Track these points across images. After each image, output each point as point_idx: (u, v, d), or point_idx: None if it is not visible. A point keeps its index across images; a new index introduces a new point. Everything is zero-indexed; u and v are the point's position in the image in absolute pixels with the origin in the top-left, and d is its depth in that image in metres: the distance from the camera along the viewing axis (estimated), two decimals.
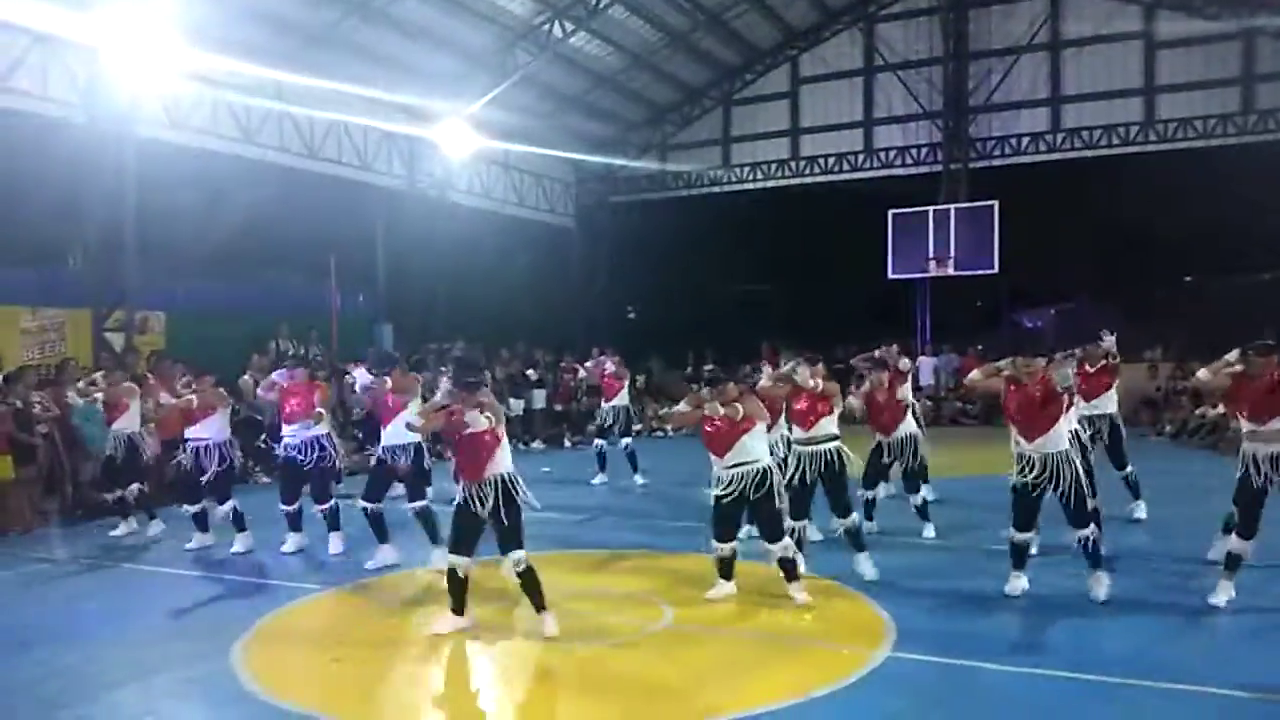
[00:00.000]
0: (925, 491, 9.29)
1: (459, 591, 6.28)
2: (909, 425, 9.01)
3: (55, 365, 12.49)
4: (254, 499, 10.10)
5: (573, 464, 14.73)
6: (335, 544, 8.67)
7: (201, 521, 9.05)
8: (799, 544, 7.22)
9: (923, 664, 5.62)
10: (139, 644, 6.26)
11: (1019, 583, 6.99)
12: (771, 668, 5.64)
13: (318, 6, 15.63)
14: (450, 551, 6.27)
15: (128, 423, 9.65)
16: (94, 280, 14.09)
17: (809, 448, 7.48)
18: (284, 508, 8.72)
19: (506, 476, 6.16)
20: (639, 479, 12.54)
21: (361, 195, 19.21)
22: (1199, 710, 4.92)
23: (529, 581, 6.14)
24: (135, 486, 9.66)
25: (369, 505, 8.16)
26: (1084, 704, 5.02)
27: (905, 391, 9.34)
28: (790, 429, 7.90)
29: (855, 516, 7.51)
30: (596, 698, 5.29)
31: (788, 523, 7.13)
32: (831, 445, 7.48)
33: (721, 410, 6.63)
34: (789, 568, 6.83)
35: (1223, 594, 6.63)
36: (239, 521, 8.85)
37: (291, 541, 8.82)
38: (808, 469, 7.47)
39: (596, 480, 12.73)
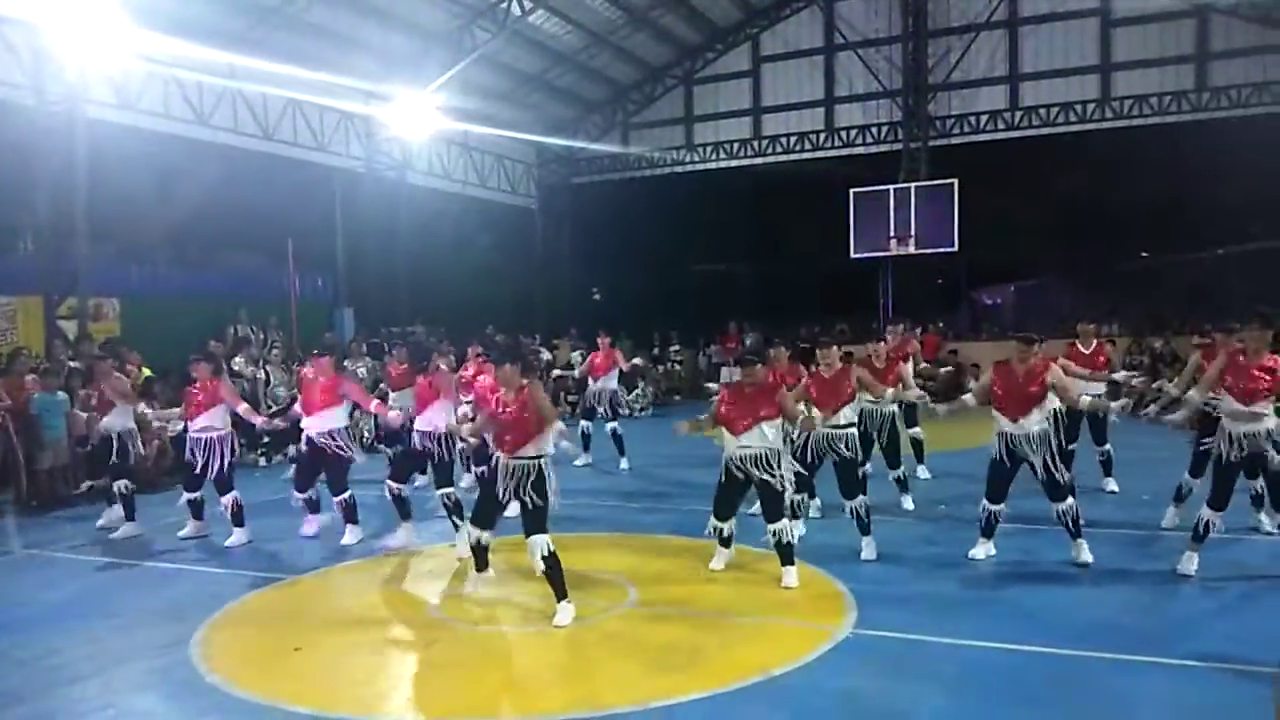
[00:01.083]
0: (921, 470, 10.29)
1: (481, 554, 6.72)
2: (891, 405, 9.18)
3: (7, 354, 12.22)
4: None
5: None
6: (350, 535, 8.61)
7: (197, 509, 8.97)
8: (794, 512, 7.53)
9: (885, 639, 5.68)
10: (99, 636, 6.17)
11: (983, 549, 7.38)
12: (734, 647, 5.67)
13: None
14: (472, 523, 6.66)
15: (118, 420, 9.39)
16: (45, 266, 13.76)
17: (828, 430, 7.65)
18: (298, 495, 8.73)
19: (542, 461, 6.28)
20: (624, 463, 12.50)
21: (318, 177, 18.94)
22: (1165, 681, 5.02)
23: (552, 568, 6.18)
24: (123, 483, 9.28)
25: (394, 485, 8.36)
26: (1046, 677, 5.10)
27: (905, 370, 9.57)
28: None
29: (862, 499, 7.66)
30: (558, 680, 5.30)
31: (789, 494, 7.27)
32: (847, 432, 7.70)
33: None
34: (785, 551, 6.95)
35: (1190, 563, 6.83)
36: (238, 516, 8.74)
37: (313, 524, 8.88)
38: (819, 450, 7.71)
39: (579, 461, 12.59)
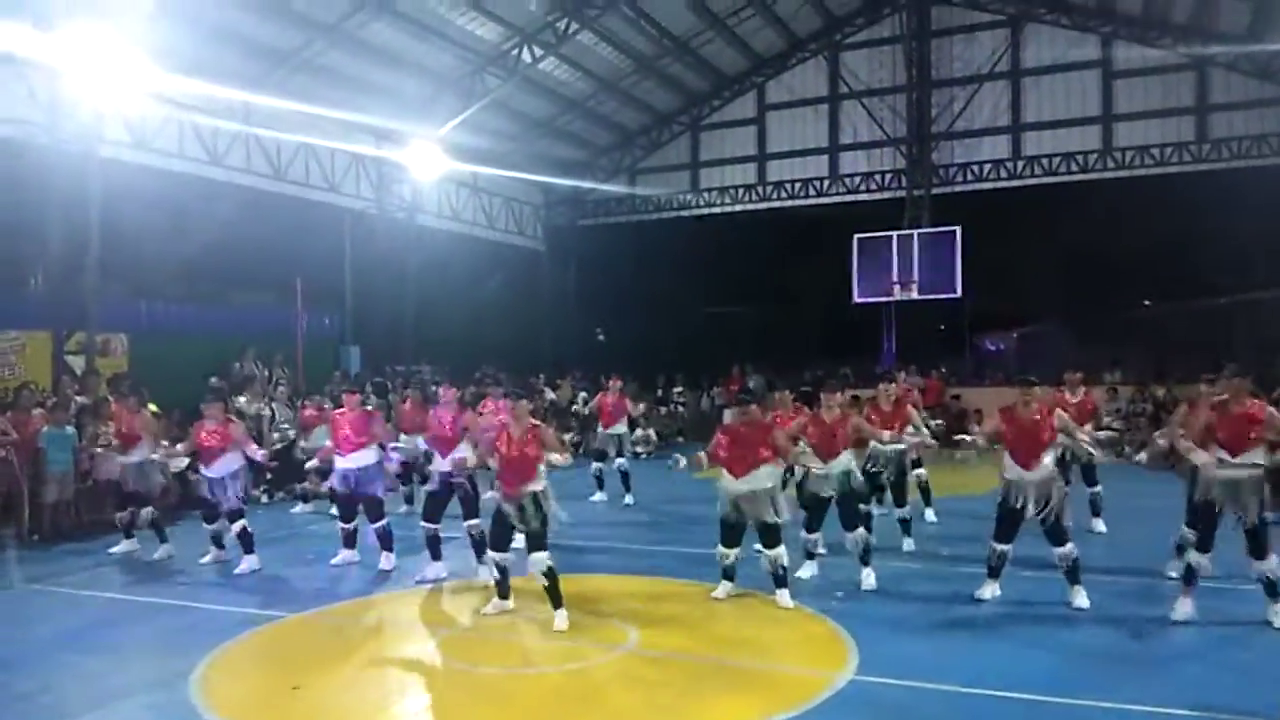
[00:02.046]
0: (928, 513, 10.50)
1: (503, 580, 7.23)
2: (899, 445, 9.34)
3: (13, 389, 12.30)
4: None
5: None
6: (385, 562, 8.98)
7: (218, 539, 9.39)
8: (809, 554, 8.20)
9: (885, 686, 5.66)
10: (96, 672, 6.17)
11: (990, 589, 7.48)
12: (733, 692, 5.66)
13: (285, 29, 15.65)
14: (491, 549, 7.27)
15: (141, 452, 9.80)
16: (55, 302, 13.89)
17: (823, 472, 7.99)
18: (342, 526, 9.25)
19: (539, 493, 7.00)
20: (629, 499, 12.85)
21: (329, 217, 19.15)
22: None
23: (551, 581, 6.92)
24: (149, 510, 9.80)
25: (428, 525, 8.58)
26: None
27: (910, 412, 9.70)
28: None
29: (862, 532, 8.01)
30: None
31: (803, 535, 8.09)
32: (843, 471, 8.00)
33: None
34: (779, 576, 7.40)
35: (1182, 609, 6.86)
36: (248, 542, 9.08)
37: (342, 556, 9.21)
38: (824, 489, 8.01)
39: (595, 498, 13.03)
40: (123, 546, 9.90)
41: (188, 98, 15.01)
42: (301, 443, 11.28)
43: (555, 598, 6.94)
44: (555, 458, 7.12)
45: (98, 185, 13.67)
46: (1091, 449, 8.59)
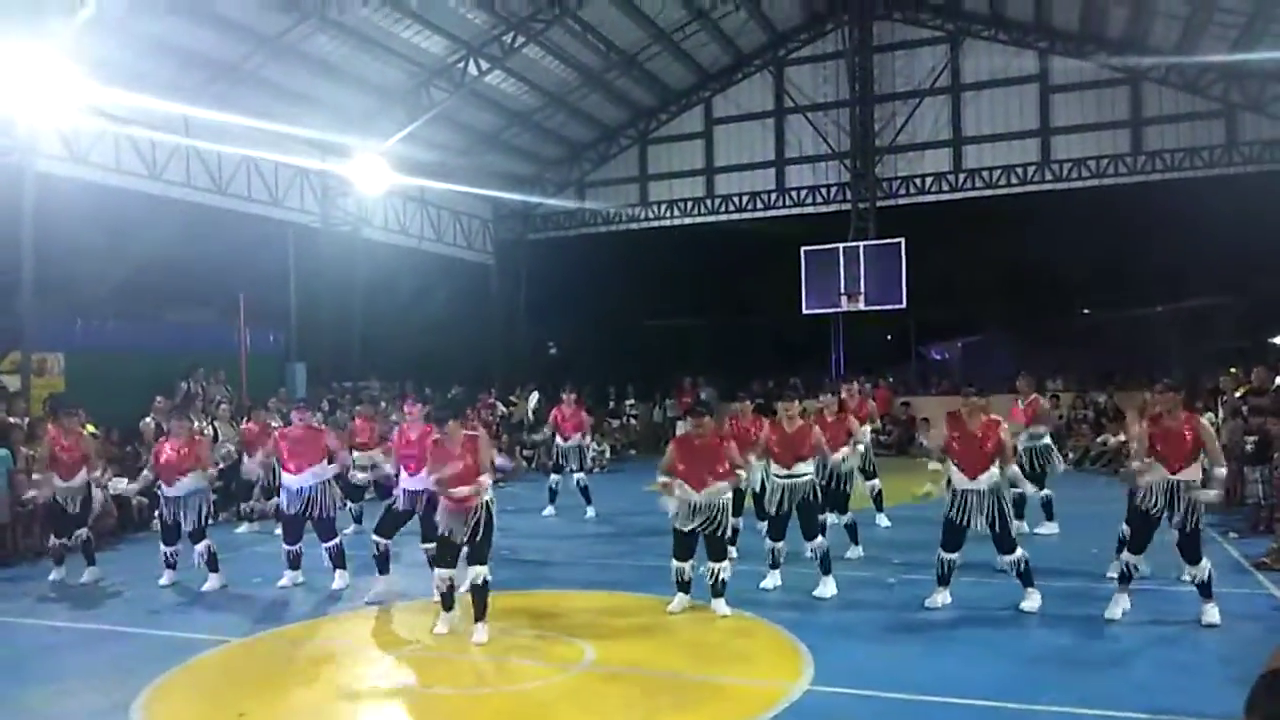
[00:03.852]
0: (881, 519, 10.78)
1: (449, 596, 7.17)
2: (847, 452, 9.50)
3: None
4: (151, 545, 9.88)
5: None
6: (339, 580, 8.94)
7: (172, 562, 9.29)
8: (774, 563, 8.35)
9: (841, 696, 5.69)
10: (34, 704, 5.95)
11: (940, 597, 7.58)
12: (690, 707, 5.64)
13: (226, 41, 15.39)
14: (437, 564, 7.24)
15: (81, 477, 9.64)
16: None
17: (788, 481, 8.11)
18: (286, 547, 9.06)
19: (486, 505, 7.04)
20: (590, 511, 12.84)
21: (272, 232, 18.82)
22: None
23: (480, 594, 6.98)
24: (83, 531, 9.60)
25: (380, 540, 8.52)
26: None
27: (852, 422, 9.83)
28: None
29: (822, 540, 8.12)
30: None
31: (767, 543, 8.33)
32: (808, 481, 8.12)
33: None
34: (719, 586, 7.52)
35: (1117, 607, 7.09)
36: (212, 563, 9.08)
37: (286, 578, 9.07)
38: (786, 500, 8.11)
39: (546, 513, 13.03)
40: (56, 574, 9.60)
41: (125, 111, 14.68)
42: (245, 460, 11.06)
43: (480, 610, 7.00)
44: (498, 461, 7.21)
45: (31, 200, 13.29)
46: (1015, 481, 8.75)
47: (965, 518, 7.38)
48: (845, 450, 9.38)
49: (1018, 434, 10.13)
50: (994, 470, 7.37)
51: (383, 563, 8.58)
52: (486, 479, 7.06)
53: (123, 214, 15.56)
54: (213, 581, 9.04)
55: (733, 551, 8.60)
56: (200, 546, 9.05)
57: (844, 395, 10.51)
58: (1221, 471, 7.07)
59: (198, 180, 16.69)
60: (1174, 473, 6.95)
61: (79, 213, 14.47)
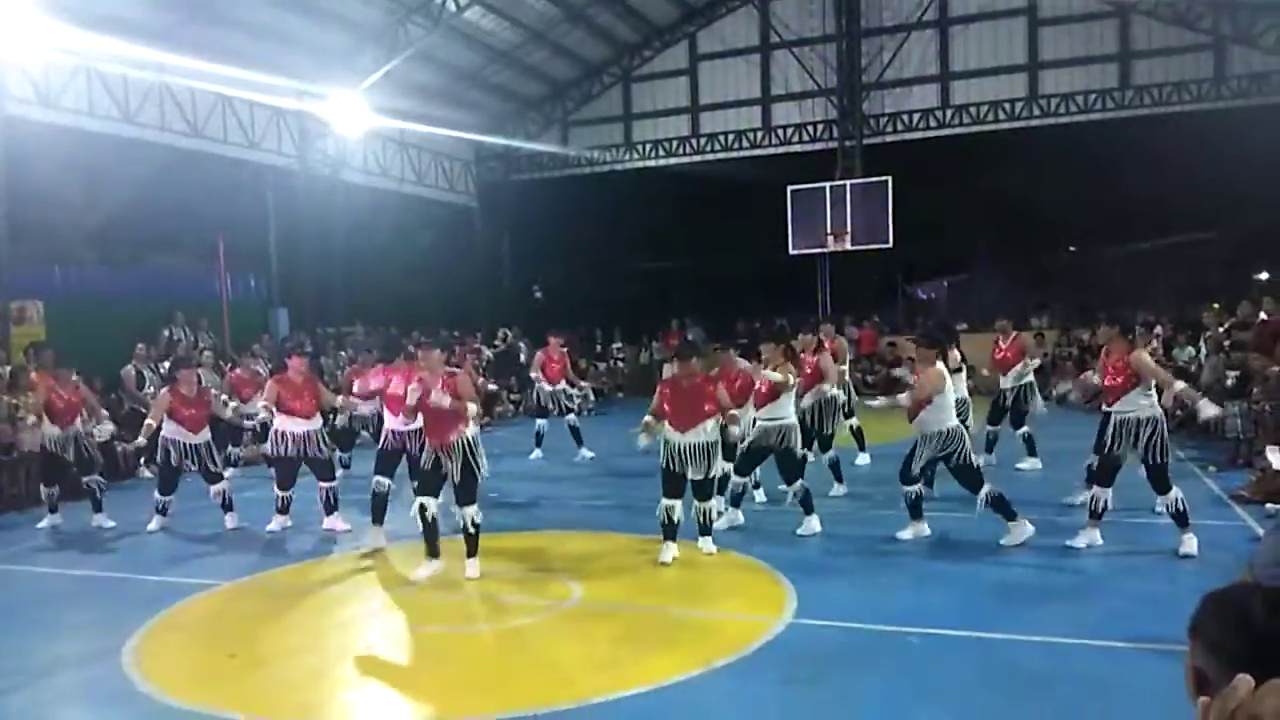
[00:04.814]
0: (862, 457, 10.73)
1: (431, 535, 7.15)
2: (825, 391, 9.55)
3: None
4: (138, 493, 9.91)
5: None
6: (334, 523, 8.99)
7: (164, 509, 9.41)
8: (739, 498, 8.39)
9: (823, 629, 5.78)
10: (26, 648, 5.99)
11: (912, 530, 7.82)
12: (676, 643, 5.72)
13: None
14: (418, 494, 7.16)
15: (79, 424, 9.76)
16: None
17: (764, 423, 8.14)
18: (280, 493, 9.13)
19: (467, 442, 7.00)
20: (585, 452, 12.95)
21: (250, 175, 18.54)
22: (1088, 661, 5.18)
23: (471, 533, 7.05)
24: (94, 479, 9.72)
25: (382, 479, 8.44)
26: (977, 661, 5.23)
27: (826, 360, 9.83)
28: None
29: (802, 482, 8.14)
30: (498, 680, 5.28)
31: (734, 479, 8.36)
32: (784, 423, 8.12)
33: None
34: (706, 525, 7.58)
35: (1083, 538, 7.27)
36: (228, 502, 9.34)
37: (276, 522, 9.13)
38: (761, 440, 8.15)
39: (533, 456, 13.07)
40: (48, 522, 9.68)
41: (96, 53, 14.33)
42: (233, 405, 11.07)
43: (473, 546, 7.09)
44: (473, 408, 7.05)
45: (3, 145, 13.04)
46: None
47: (924, 452, 7.61)
48: (826, 386, 9.42)
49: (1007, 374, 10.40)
50: (939, 413, 7.46)
51: (379, 510, 8.43)
52: (473, 407, 7.04)
53: (97, 158, 15.29)
54: (230, 520, 9.27)
55: (761, 496, 8.76)
56: (218, 487, 9.31)
57: (822, 338, 10.49)
58: (1179, 386, 7.41)
59: (173, 123, 16.37)
60: (1109, 405, 7.22)
61: (52, 158, 14.18)
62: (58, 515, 9.73)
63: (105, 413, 10.47)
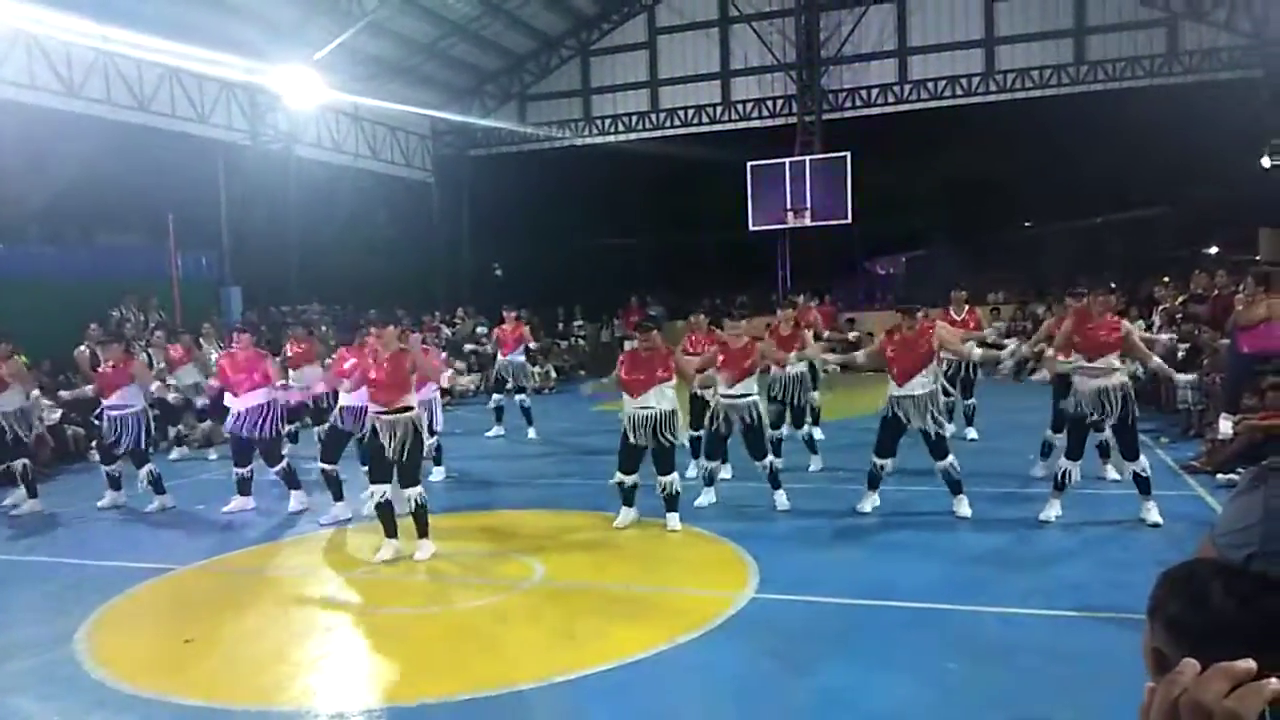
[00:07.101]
0: (815, 431, 10.45)
1: (388, 517, 7.02)
2: (799, 367, 9.51)
3: None
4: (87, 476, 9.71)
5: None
6: (295, 502, 8.91)
7: (115, 481, 9.34)
8: (710, 479, 8.37)
9: (785, 603, 5.80)
10: None
11: (869, 502, 7.86)
12: (638, 618, 5.71)
13: None
14: (373, 482, 7.02)
15: (10, 401, 9.40)
16: None
17: (729, 401, 8.03)
18: (237, 470, 9.02)
19: (412, 422, 6.95)
20: (531, 432, 12.80)
21: (199, 150, 18.12)
22: (1048, 632, 5.25)
23: (419, 514, 6.99)
24: (22, 462, 9.40)
25: (326, 466, 8.44)
26: (939, 632, 5.28)
27: (807, 335, 9.86)
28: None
29: (770, 459, 8.14)
30: (460, 660, 5.23)
31: (702, 461, 8.44)
32: (749, 401, 8.04)
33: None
34: (671, 500, 7.56)
35: (1052, 510, 7.34)
36: (158, 485, 9.15)
37: (235, 503, 9.02)
38: (725, 420, 8.06)
39: (491, 433, 12.95)
40: (9, 500, 9.51)
41: (37, 24, 13.87)
42: (169, 380, 10.88)
43: (422, 527, 7.02)
44: (445, 377, 7.12)
45: None
46: (980, 358, 9.00)
47: (899, 421, 7.56)
48: (800, 353, 9.41)
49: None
50: (925, 377, 7.48)
51: (336, 488, 8.44)
52: (427, 388, 7.12)
53: (40, 133, 14.88)
54: (158, 502, 9.09)
55: (726, 473, 8.83)
56: (143, 470, 9.09)
57: (798, 301, 10.60)
58: (1155, 361, 7.52)
59: (118, 97, 15.95)
60: (1090, 362, 7.26)
61: None
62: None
63: (38, 392, 10.16)
